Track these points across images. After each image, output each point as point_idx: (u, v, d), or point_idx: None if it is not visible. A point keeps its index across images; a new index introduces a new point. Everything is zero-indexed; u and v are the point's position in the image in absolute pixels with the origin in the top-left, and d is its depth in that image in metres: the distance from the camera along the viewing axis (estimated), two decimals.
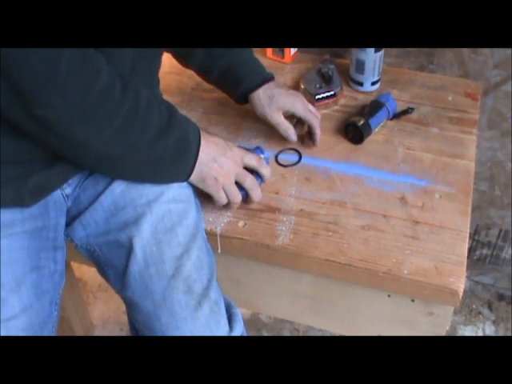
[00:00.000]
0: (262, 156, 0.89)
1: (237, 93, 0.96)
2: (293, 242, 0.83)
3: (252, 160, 0.84)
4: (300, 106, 0.94)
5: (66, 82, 0.62)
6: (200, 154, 0.78)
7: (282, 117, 0.94)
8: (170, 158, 0.75)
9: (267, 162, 0.90)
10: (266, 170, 0.87)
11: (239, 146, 0.85)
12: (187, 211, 0.80)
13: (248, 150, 0.87)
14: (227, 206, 0.84)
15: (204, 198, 0.85)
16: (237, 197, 0.82)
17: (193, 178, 0.79)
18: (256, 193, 0.85)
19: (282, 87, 0.96)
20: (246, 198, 0.85)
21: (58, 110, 0.63)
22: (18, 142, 0.69)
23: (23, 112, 0.63)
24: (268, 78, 0.95)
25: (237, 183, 0.82)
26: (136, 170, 0.75)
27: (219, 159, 0.79)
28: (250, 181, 0.83)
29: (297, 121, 0.98)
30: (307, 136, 0.98)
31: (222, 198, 0.82)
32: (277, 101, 0.93)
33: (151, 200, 0.77)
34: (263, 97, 0.93)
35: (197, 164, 0.78)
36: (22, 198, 0.74)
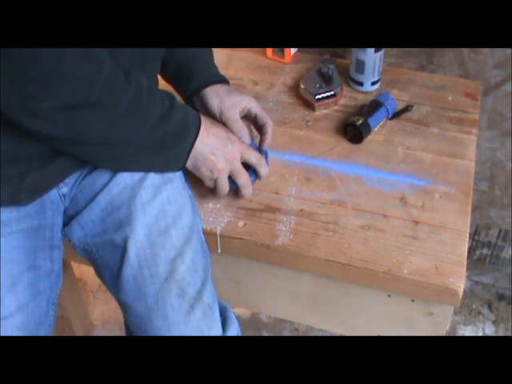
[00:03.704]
0: (264, 155, 0.87)
1: (191, 85, 0.90)
2: (293, 242, 0.83)
3: (252, 157, 0.84)
4: (256, 104, 0.90)
5: (72, 72, 0.62)
6: (200, 144, 0.78)
7: (238, 114, 0.88)
8: (170, 141, 0.75)
9: (267, 161, 0.88)
10: (264, 170, 0.86)
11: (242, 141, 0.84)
12: (182, 213, 0.79)
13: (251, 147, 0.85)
14: (212, 191, 0.85)
15: (202, 197, 0.84)
16: (224, 190, 0.83)
17: (189, 163, 0.79)
18: (247, 191, 0.85)
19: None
20: (236, 191, 0.85)
21: (64, 99, 0.63)
22: (14, 140, 0.69)
23: (26, 109, 0.63)
24: (226, 80, 0.93)
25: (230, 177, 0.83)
26: (136, 155, 0.75)
27: (217, 152, 0.79)
28: (243, 179, 0.83)
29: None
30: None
31: (211, 186, 0.84)
32: (235, 96, 0.88)
33: (145, 201, 0.77)
34: (221, 91, 0.88)
35: (195, 151, 0.78)
36: (18, 197, 0.74)
